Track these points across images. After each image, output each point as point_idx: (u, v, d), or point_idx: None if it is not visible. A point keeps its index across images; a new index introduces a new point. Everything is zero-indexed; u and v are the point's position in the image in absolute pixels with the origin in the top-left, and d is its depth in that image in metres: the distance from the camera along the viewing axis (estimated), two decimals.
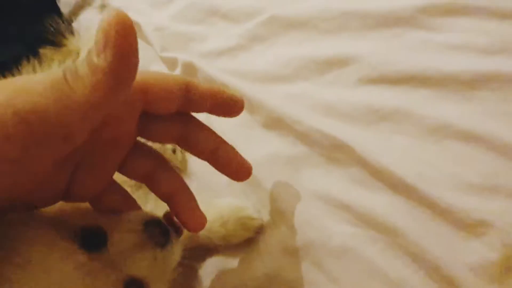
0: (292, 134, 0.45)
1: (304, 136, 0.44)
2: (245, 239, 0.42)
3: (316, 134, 0.43)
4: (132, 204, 0.36)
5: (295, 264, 0.39)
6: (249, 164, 0.36)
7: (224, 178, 0.41)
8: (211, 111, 0.33)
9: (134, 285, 0.32)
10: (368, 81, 0.44)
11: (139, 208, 0.36)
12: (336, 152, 0.42)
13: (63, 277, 0.30)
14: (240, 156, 0.36)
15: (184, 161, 0.50)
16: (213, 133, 0.35)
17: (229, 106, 0.34)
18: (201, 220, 0.36)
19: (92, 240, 0.32)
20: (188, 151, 0.35)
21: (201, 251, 0.44)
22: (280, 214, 0.42)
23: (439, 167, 0.38)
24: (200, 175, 0.48)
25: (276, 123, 0.46)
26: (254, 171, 0.44)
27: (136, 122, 0.31)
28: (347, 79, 0.45)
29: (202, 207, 0.39)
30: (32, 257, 0.29)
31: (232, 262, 0.42)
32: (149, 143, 0.36)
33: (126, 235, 0.32)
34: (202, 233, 0.43)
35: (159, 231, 0.33)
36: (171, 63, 0.58)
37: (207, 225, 0.42)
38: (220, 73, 0.52)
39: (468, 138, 0.38)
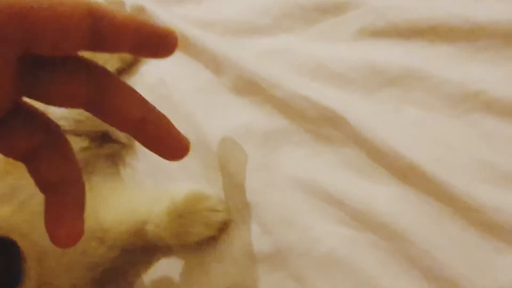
0: (270, 102, 0.35)
1: (285, 105, 0.34)
2: (205, 238, 0.33)
3: (301, 103, 0.33)
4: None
5: (266, 275, 0.30)
6: (186, 140, 0.27)
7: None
8: (132, 50, 0.24)
9: None
10: (371, 33, 0.34)
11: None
12: (326, 126, 0.32)
13: None
14: (174, 128, 0.26)
15: None
16: (138, 96, 0.25)
17: (157, 42, 0.24)
18: (74, 233, 0.25)
19: None
20: (102, 120, 0.25)
21: (146, 252, 0.34)
22: (250, 208, 0.32)
23: (464, 151, 0.29)
24: (150, 154, 0.38)
25: (249, 88, 0.36)
26: (218, 150, 0.35)
27: (11, 73, 0.21)
28: (343, 31, 0.36)
29: (151, 193, 0.29)
30: None
31: (186, 269, 0.33)
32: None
33: None
34: (150, 229, 0.33)
35: None
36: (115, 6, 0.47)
37: (156, 220, 0.33)
38: (180, 22, 0.41)
39: (504, 112, 0.29)
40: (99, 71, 0.25)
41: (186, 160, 0.35)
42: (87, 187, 0.27)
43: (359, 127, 0.31)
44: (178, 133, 0.27)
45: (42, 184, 0.25)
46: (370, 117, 0.31)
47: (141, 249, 0.35)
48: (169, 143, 0.27)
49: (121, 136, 0.40)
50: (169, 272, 0.34)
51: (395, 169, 0.29)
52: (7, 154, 0.24)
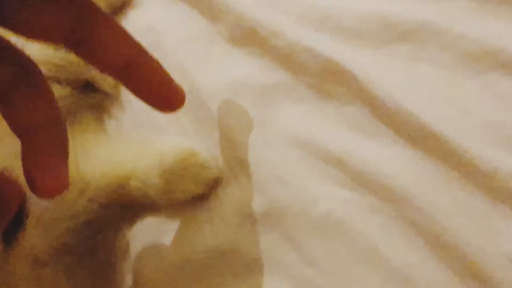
0: (269, 53, 0.32)
1: (285, 57, 0.31)
2: (194, 196, 0.31)
3: (303, 55, 0.30)
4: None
5: (258, 235, 0.28)
6: (181, 90, 0.24)
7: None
8: None
9: None
10: None
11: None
12: (330, 81, 0.30)
13: None
14: (168, 75, 0.23)
15: (116, 84, 0.37)
16: (127, 34, 0.22)
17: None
18: (58, 181, 0.22)
19: None
20: (86, 60, 0.22)
21: (131, 210, 0.32)
22: (244, 165, 0.30)
23: (479, 112, 0.27)
24: (137, 105, 0.35)
25: (247, 37, 0.33)
26: (211, 103, 0.33)
27: None
28: None
29: (137, 147, 0.27)
30: None
31: (172, 229, 0.31)
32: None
33: None
34: (134, 184, 0.31)
35: None
36: None
37: (141, 175, 0.31)
38: None
39: None
40: (83, 2, 0.22)
41: (176, 113, 0.33)
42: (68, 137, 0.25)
43: (366, 83, 0.28)
44: (172, 81, 0.24)
45: (17, 127, 0.22)
46: (379, 73, 0.29)
47: (125, 206, 0.33)
48: (161, 92, 0.24)
49: (106, 85, 0.37)
50: (156, 231, 0.32)
51: (402, 129, 0.27)
52: None
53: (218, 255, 0.29)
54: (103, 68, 0.22)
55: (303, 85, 0.31)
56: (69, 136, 0.25)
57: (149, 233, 0.32)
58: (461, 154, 0.26)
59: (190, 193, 0.31)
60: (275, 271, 0.28)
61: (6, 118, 0.21)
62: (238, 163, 0.30)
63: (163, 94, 0.24)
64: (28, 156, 0.22)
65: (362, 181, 0.28)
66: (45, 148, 0.22)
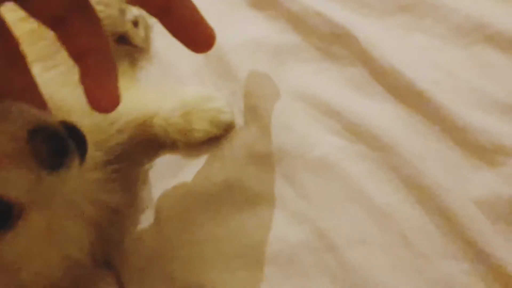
0: (284, 16, 0.37)
1: (299, 21, 0.36)
2: (209, 137, 0.35)
3: (315, 19, 0.35)
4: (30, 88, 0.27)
5: (262, 173, 0.33)
6: (213, 31, 0.27)
7: (192, 65, 0.33)
8: None
9: None
10: None
11: (37, 94, 0.27)
12: (336, 44, 0.34)
13: None
14: (202, 18, 0.27)
15: (147, 38, 0.42)
16: None
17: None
18: (114, 96, 0.26)
19: None
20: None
21: (152, 146, 0.37)
22: (254, 112, 0.35)
23: (463, 77, 0.31)
24: (164, 58, 0.40)
25: (266, 2, 0.37)
26: (230, 58, 0.37)
27: None
28: None
29: (162, 92, 0.31)
30: None
31: (187, 164, 0.36)
32: None
33: (7, 134, 0.24)
34: (157, 122, 0.36)
35: (49, 149, 0.25)
36: None
37: (164, 114, 0.36)
38: None
39: (505, 46, 0.31)
40: None
41: (198, 66, 0.37)
42: None
43: (367, 46, 0.32)
44: (206, 24, 0.28)
45: (74, 51, 0.26)
46: (380, 39, 0.33)
47: (148, 141, 0.37)
48: (196, 33, 0.27)
49: (138, 39, 0.42)
50: (171, 165, 0.37)
51: (394, 88, 0.32)
52: (36, 16, 0.25)
53: (225, 189, 0.34)
54: (144, 5, 0.26)
55: (312, 47, 0.35)
56: None
57: (167, 169, 0.37)
58: (442, 112, 0.30)
59: (206, 134, 0.35)
60: (273, 205, 0.33)
61: (64, 43, 0.26)
62: (250, 111, 0.35)
63: (198, 35, 0.28)
64: (86, 77, 0.26)
65: (355, 131, 0.32)
66: (100, 69, 0.26)
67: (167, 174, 0.36)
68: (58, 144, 0.25)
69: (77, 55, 0.26)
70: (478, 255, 0.28)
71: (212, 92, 0.36)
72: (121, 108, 0.34)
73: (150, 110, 0.35)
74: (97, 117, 0.32)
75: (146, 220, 0.37)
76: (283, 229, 0.32)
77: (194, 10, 0.27)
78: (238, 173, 0.34)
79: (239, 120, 0.35)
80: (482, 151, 0.29)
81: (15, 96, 0.26)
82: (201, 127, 0.35)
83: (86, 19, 0.25)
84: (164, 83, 0.40)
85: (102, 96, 0.26)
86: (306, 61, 0.35)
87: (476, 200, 0.29)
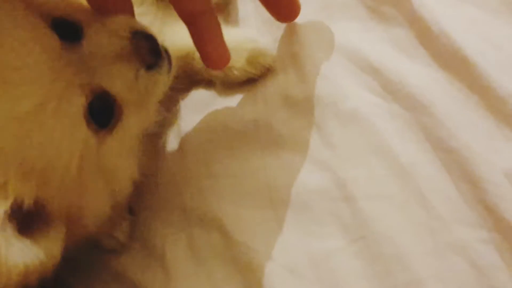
0: None
1: None
2: (247, 78, 0.36)
3: None
4: (127, 8, 0.31)
5: (291, 118, 0.34)
6: (299, 3, 0.32)
7: (239, 10, 0.35)
8: None
9: (102, 99, 0.27)
10: None
11: (132, 12, 0.31)
12: (386, 3, 0.34)
13: (28, 55, 0.25)
14: None
15: None
16: None
17: None
18: (225, 54, 0.32)
19: (65, 30, 0.27)
20: None
21: (191, 79, 0.38)
22: (294, 59, 0.35)
23: (510, 51, 0.31)
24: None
25: None
26: None
27: None
28: None
29: None
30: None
31: (220, 100, 0.37)
32: None
33: (106, 37, 0.28)
34: (198, 56, 0.37)
35: (148, 47, 0.29)
36: None
37: None
38: None
39: None
40: None
41: (245, 12, 0.38)
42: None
43: (419, 8, 0.33)
44: None
45: (185, 15, 0.31)
46: (432, 5, 0.33)
47: (188, 74, 0.39)
48: (284, 5, 0.32)
49: None
50: (204, 100, 0.38)
51: (439, 52, 0.32)
52: None
53: (253, 127, 0.35)
54: None
55: (361, 5, 0.35)
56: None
57: (199, 103, 0.38)
58: (484, 81, 0.30)
59: (245, 74, 0.36)
60: (297, 149, 0.33)
61: (177, 7, 0.30)
62: (290, 57, 0.36)
63: (286, 7, 0.33)
64: (198, 39, 0.31)
65: (391, 90, 0.32)
66: (209, 31, 0.31)
67: (198, 108, 0.38)
68: (154, 45, 0.29)
69: (189, 19, 0.30)
70: (498, 225, 0.28)
71: (256, 35, 0.37)
72: (167, 38, 0.36)
73: (193, 46, 0.37)
74: None
75: (171, 150, 0.39)
76: (303, 174, 0.33)
77: None
78: (268, 115, 0.35)
79: (279, 66, 0.36)
80: None
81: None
82: (240, 66, 0.36)
83: None
84: None
85: (215, 54, 0.31)
86: (353, 18, 0.35)
87: (506, 171, 0.28)
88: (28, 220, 0.25)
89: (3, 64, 0.25)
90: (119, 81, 0.28)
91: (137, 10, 0.33)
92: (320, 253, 0.30)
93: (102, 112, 0.28)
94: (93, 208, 0.30)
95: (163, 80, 0.30)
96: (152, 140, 0.37)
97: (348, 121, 0.32)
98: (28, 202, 0.25)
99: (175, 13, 0.40)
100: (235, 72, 0.36)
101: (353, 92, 0.33)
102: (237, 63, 0.36)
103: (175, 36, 0.38)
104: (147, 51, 0.29)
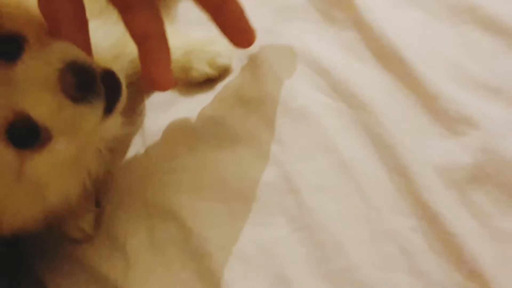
0: None
1: None
2: (206, 79, 0.39)
3: None
4: (81, 30, 0.30)
5: (245, 115, 0.36)
6: (254, 32, 0.34)
7: (201, 13, 0.37)
8: None
9: (25, 123, 0.28)
10: None
11: (86, 38, 0.31)
12: (336, 8, 0.37)
13: None
14: (247, 20, 0.33)
15: None
16: None
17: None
18: (169, 78, 0.32)
19: (5, 47, 0.28)
20: None
21: None
22: (252, 60, 0.38)
23: (447, 53, 0.33)
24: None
25: None
26: None
27: None
28: None
29: (170, 33, 0.35)
30: None
31: (181, 100, 0.40)
32: None
33: (37, 63, 0.28)
34: None
35: (75, 83, 0.28)
36: None
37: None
38: None
39: (494, 29, 0.33)
40: None
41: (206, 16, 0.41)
42: None
43: (364, 13, 0.35)
44: (249, 25, 0.34)
45: (135, 35, 0.31)
46: (378, 10, 0.36)
47: None
48: (240, 33, 0.34)
49: None
50: (166, 101, 0.40)
51: (381, 54, 0.34)
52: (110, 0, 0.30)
53: (210, 125, 0.37)
54: (200, 3, 0.31)
55: (315, 9, 0.38)
56: None
57: (162, 103, 0.40)
58: (420, 81, 0.32)
59: (203, 75, 0.39)
60: (250, 145, 0.36)
61: (128, 26, 0.31)
62: (247, 58, 0.38)
63: (242, 35, 0.34)
64: (146, 60, 0.32)
65: (338, 89, 0.35)
66: (158, 52, 0.31)
67: (162, 108, 0.40)
68: (86, 81, 0.29)
69: (138, 39, 0.31)
70: (425, 214, 0.30)
71: (215, 37, 0.39)
72: (128, 46, 0.38)
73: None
74: (110, 50, 0.36)
75: (134, 149, 0.41)
76: (255, 168, 0.35)
77: (242, 11, 0.33)
78: (224, 113, 0.37)
79: (238, 68, 0.39)
80: (449, 120, 0.31)
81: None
82: (199, 67, 0.38)
83: (149, 7, 0.30)
84: (175, 28, 0.44)
85: (157, 77, 0.32)
86: (307, 21, 0.38)
87: (435, 165, 0.31)
88: None
89: None
90: (43, 109, 0.28)
91: (96, 21, 0.34)
92: (267, 242, 0.33)
93: (24, 134, 0.29)
94: (18, 214, 0.32)
95: (93, 114, 0.30)
96: (119, 139, 0.39)
97: (297, 119, 0.35)
98: None
99: None
100: (195, 73, 0.39)
101: (304, 92, 0.36)
102: (197, 64, 0.39)
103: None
104: (74, 85, 0.28)
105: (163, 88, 0.33)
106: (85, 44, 0.31)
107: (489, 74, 0.32)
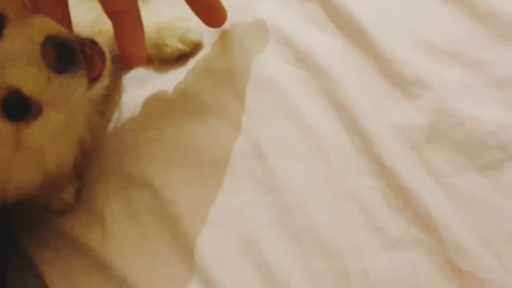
0: None
1: None
2: (179, 54, 0.40)
3: None
4: (60, 5, 0.32)
5: (215, 87, 0.38)
6: (225, 12, 0.35)
7: None
8: None
9: (16, 97, 0.30)
10: None
11: (65, 13, 0.32)
12: None
13: None
14: (218, 0, 0.34)
15: None
16: None
17: None
18: (141, 54, 0.34)
19: None
20: None
21: None
22: (221, 36, 0.39)
23: (405, 21, 0.35)
24: None
25: None
26: None
27: None
28: None
29: (143, 13, 0.36)
30: None
31: (156, 76, 0.41)
32: None
33: (20, 38, 0.29)
34: None
35: (56, 55, 0.29)
36: None
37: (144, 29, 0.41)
38: None
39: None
40: None
41: None
42: None
43: None
44: (221, 5, 0.35)
45: (108, 11, 0.32)
46: None
47: None
48: (212, 12, 0.36)
49: None
50: (142, 77, 0.41)
51: (342, 24, 0.36)
52: None
53: (182, 98, 0.39)
54: None
55: None
56: None
57: (138, 79, 0.42)
58: (376, 47, 0.34)
59: (176, 50, 0.40)
60: (220, 115, 0.37)
61: (102, 1, 0.32)
62: (217, 33, 0.39)
63: (214, 15, 0.36)
64: (120, 35, 0.33)
65: (301, 58, 0.36)
66: (130, 28, 0.33)
67: (137, 84, 0.42)
68: (66, 52, 0.30)
69: (112, 15, 0.32)
70: (383, 173, 0.32)
71: (186, 14, 0.40)
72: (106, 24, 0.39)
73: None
74: (90, 27, 0.38)
75: (113, 122, 0.42)
76: (224, 137, 0.37)
77: None
78: (196, 86, 0.39)
79: (209, 43, 0.40)
80: (404, 84, 0.33)
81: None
82: (171, 43, 0.40)
83: None
84: (149, 6, 0.45)
85: (133, 50, 0.33)
86: None
87: (392, 126, 0.32)
88: None
89: None
90: (31, 83, 0.30)
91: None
92: (235, 206, 0.34)
93: (17, 107, 0.30)
94: (20, 181, 0.34)
95: (78, 84, 0.31)
96: (98, 114, 0.41)
97: (263, 88, 0.36)
98: None
99: None
100: (168, 50, 0.40)
101: (269, 62, 0.37)
102: (169, 41, 0.40)
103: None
104: (55, 57, 0.30)
105: (137, 63, 0.34)
106: (65, 19, 0.32)
107: (445, 40, 0.33)
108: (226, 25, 0.39)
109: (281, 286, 0.32)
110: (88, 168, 0.41)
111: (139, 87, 0.41)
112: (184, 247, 0.34)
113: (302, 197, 0.33)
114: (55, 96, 0.31)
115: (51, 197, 0.40)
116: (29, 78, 0.29)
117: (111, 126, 0.42)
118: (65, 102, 0.32)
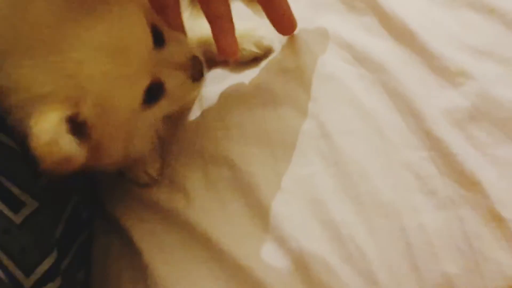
0: None
1: None
2: (254, 57, 0.48)
3: None
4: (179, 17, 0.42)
5: (284, 82, 0.45)
6: (296, 22, 0.44)
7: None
8: None
9: (157, 86, 0.39)
10: None
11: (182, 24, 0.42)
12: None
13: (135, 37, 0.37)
14: (291, 11, 0.43)
15: None
16: None
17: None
18: (235, 48, 0.43)
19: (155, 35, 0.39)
20: None
21: (209, 62, 0.50)
22: (290, 41, 0.47)
23: (446, 27, 0.42)
24: None
25: None
26: None
27: None
28: None
29: None
30: None
31: (233, 75, 0.48)
32: None
33: (180, 53, 0.40)
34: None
35: (199, 68, 0.41)
36: None
37: None
38: None
39: (482, 9, 0.41)
40: None
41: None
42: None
43: (381, 2, 0.44)
44: (293, 16, 0.44)
45: (209, 16, 0.42)
46: None
47: (207, 59, 0.50)
48: (285, 22, 0.44)
49: None
50: (220, 75, 0.49)
51: (394, 30, 0.43)
52: None
53: (256, 90, 0.46)
54: None
55: (339, 2, 0.47)
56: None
57: (216, 77, 0.49)
58: (425, 47, 0.41)
59: (251, 53, 0.48)
60: (290, 104, 0.44)
61: (204, 9, 0.42)
62: (286, 39, 0.47)
63: (286, 24, 0.44)
64: (218, 34, 0.42)
65: (360, 59, 0.43)
66: (226, 29, 0.42)
67: (216, 80, 0.49)
68: (201, 67, 0.42)
69: (211, 19, 0.42)
70: (434, 146, 0.38)
71: (260, 25, 0.48)
72: (197, 31, 0.47)
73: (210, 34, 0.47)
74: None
75: (193, 114, 0.49)
76: (293, 121, 0.43)
77: (287, 5, 0.43)
78: (268, 80, 0.46)
79: (278, 49, 0.48)
80: (449, 75, 0.39)
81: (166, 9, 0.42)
82: (248, 47, 0.48)
83: None
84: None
85: (227, 48, 0.42)
86: (334, 12, 0.47)
87: (440, 109, 0.39)
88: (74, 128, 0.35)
89: (116, 36, 0.36)
90: (173, 81, 0.40)
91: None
92: (304, 176, 0.41)
93: (153, 94, 0.39)
94: (111, 149, 0.40)
95: (198, 88, 0.44)
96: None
97: (327, 81, 0.43)
98: (82, 118, 0.35)
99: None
100: (244, 53, 0.48)
101: (332, 61, 0.44)
102: (246, 45, 0.48)
103: (202, 28, 0.50)
104: (198, 70, 0.42)
105: (231, 54, 0.43)
106: (183, 29, 0.43)
107: (480, 42, 0.40)
108: (294, 32, 0.47)
109: (345, 240, 0.37)
110: (169, 149, 0.48)
111: (217, 83, 0.49)
112: (259, 209, 0.40)
113: (363, 168, 0.39)
114: (181, 94, 0.41)
115: (139, 172, 0.47)
116: (174, 78, 0.40)
117: (192, 115, 0.49)
118: (182, 99, 0.43)
